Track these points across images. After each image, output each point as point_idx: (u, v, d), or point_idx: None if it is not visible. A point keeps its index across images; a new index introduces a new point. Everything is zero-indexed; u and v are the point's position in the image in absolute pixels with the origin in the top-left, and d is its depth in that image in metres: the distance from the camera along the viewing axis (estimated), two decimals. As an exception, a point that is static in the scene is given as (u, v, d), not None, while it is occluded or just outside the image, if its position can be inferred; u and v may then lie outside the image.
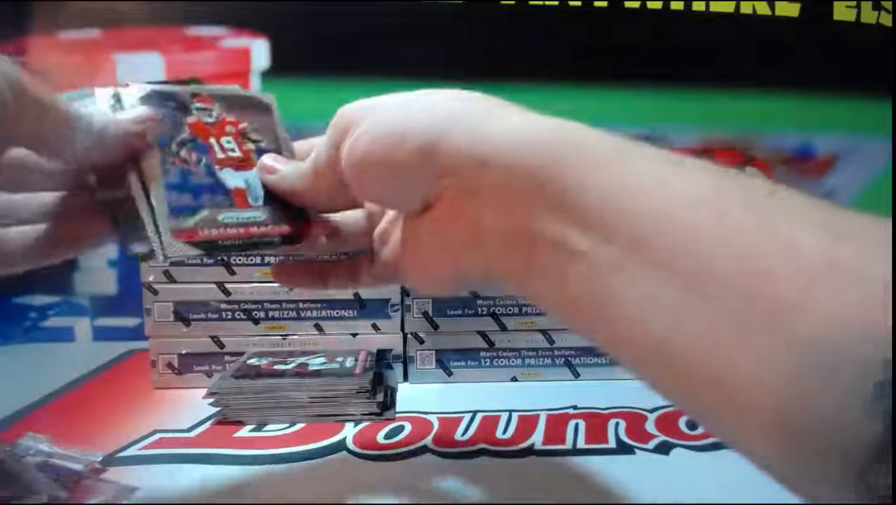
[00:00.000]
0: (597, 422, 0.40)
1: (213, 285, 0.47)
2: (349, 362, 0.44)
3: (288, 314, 0.47)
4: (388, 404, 0.42)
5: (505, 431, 0.39)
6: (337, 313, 0.48)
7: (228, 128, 0.28)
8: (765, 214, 0.16)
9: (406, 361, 0.49)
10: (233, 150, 0.27)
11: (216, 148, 0.27)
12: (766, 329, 0.15)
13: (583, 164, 0.18)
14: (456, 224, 0.21)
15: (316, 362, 0.44)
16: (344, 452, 0.36)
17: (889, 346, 0.13)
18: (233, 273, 0.47)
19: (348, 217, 0.29)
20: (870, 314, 0.14)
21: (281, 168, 0.27)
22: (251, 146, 0.28)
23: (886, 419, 0.13)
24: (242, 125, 0.28)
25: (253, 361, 0.44)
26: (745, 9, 0.65)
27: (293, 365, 0.43)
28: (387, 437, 0.38)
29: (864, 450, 0.14)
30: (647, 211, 0.17)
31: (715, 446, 0.36)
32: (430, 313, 0.48)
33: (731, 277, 0.15)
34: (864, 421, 0.13)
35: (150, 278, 0.47)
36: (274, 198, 0.27)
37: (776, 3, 0.65)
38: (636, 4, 0.64)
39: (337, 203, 0.27)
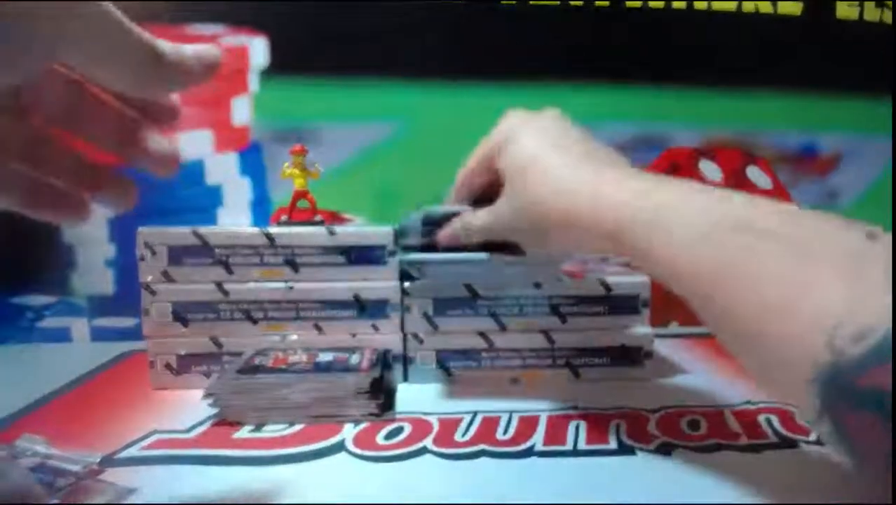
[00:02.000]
0: (598, 423, 0.40)
1: (212, 285, 0.47)
2: (354, 359, 0.44)
3: (287, 314, 0.47)
4: (387, 405, 0.42)
5: (505, 432, 0.39)
6: (336, 314, 0.47)
7: None
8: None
9: (406, 361, 0.48)
10: None
11: None
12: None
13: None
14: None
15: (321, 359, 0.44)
16: (343, 453, 0.36)
17: None
18: (231, 273, 0.47)
19: None
20: None
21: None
22: None
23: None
24: None
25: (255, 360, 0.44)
26: (748, 7, 0.65)
27: (295, 361, 0.43)
28: (387, 437, 0.38)
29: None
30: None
31: (716, 447, 0.36)
32: (430, 313, 0.48)
33: None
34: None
35: (149, 278, 0.46)
36: None
37: (779, 1, 0.65)
38: (637, 4, 0.64)
39: None
